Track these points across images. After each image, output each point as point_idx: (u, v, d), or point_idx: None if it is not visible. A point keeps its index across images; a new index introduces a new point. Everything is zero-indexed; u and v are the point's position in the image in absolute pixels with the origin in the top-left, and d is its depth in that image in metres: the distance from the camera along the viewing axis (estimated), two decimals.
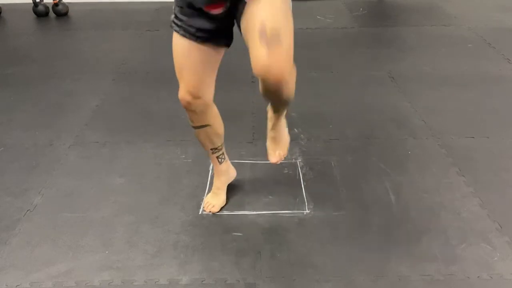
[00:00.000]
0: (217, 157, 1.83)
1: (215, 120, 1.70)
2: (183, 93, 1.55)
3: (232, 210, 1.87)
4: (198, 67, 1.51)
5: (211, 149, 1.79)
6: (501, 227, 1.77)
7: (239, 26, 1.39)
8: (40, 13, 4.10)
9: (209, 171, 2.10)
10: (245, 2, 1.27)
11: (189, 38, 1.45)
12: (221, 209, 1.87)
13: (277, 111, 1.65)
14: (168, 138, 2.34)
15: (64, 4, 4.12)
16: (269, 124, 1.73)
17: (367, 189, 1.98)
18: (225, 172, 1.90)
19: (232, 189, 1.97)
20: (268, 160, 1.80)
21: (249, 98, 2.65)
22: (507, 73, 2.97)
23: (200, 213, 1.86)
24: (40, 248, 1.71)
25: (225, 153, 1.86)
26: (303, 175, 2.04)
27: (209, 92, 1.59)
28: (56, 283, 1.57)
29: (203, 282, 1.57)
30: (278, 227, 1.79)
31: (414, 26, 3.79)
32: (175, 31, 1.48)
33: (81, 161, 2.18)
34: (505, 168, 2.10)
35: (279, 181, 1.99)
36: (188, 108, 1.60)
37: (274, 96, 1.40)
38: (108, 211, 1.88)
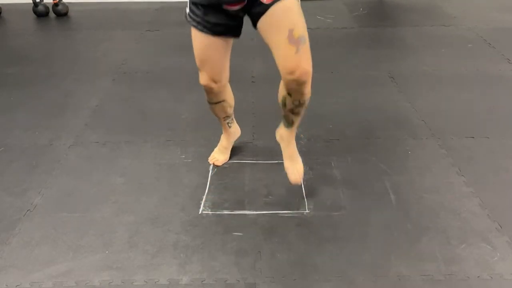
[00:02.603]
0: (227, 123, 2.06)
1: (229, 95, 1.94)
2: (206, 80, 1.75)
3: (232, 210, 1.87)
4: (217, 57, 1.70)
5: (224, 117, 2.02)
6: (501, 227, 1.77)
7: (254, 22, 1.55)
8: (40, 13, 4.10)
9: (209, 171, 2.10)
10: (261, 2, 1.45)
11: (207, 33, 1.61)
12: (221, 209, 1.87)
13: (291, 122, 1.75)
14: (168, 138, 2.34)
15: (64, 4, 4.12)
16: (283, 144, 1.86)
17: (367, 189, 1.98)
18: (233, 133, 2.13)
19: (232, 189, 1.97)
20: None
21: (249, 98, 2.65)
22: (507, 73, 2.97)
23: (200, 213, 1.86)
24: (40, 248, 1.71)
25: (233, 117, 2.08)
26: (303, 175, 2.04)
27: (226, 75, 1.80)
28: (56, 283, 1.57)
29: (203, 282, 1.57)
30: (278, 227, 1.79)
31: (414, 26, 3.79)
32: (193, 26, 1.62)
33: (81, 161, 2.18)
34: (505, 168, 2.10)
35: (279, 181, 1.99)
36: (209, 91, 1.82)
37: (297, 93, 1.57)
38: (108, 211, 1.88)
